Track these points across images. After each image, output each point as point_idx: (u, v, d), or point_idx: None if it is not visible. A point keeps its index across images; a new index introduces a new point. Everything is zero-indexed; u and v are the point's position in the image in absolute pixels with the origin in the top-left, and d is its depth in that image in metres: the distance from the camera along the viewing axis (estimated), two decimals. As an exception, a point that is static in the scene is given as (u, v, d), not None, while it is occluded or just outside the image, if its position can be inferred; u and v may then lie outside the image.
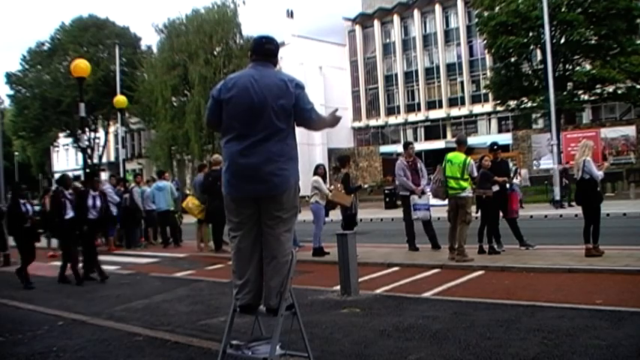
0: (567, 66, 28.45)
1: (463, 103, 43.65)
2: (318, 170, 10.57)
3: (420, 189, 9.79)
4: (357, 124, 49.31)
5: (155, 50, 41.55)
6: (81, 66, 10.58)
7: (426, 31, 45.78)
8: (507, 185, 9.34)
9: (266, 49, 3.51)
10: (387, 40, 47.92)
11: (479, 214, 9.24)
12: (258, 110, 3.33)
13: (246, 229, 3.46)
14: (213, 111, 3.51)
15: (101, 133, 46.36)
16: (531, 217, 15.98)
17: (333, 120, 3.56)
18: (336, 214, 10.81)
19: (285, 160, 3.39)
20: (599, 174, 7.92)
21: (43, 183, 54.87)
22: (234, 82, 3.42)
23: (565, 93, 27.26)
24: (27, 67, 44.75)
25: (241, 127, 3.36)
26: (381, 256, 9.45)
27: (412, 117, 46.23)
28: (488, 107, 39.86)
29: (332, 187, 9.68)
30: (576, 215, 12.50)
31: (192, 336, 4.88)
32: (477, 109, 42.84)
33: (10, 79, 44.24)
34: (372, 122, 48.50)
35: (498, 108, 33.95)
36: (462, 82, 43.80)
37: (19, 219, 8.93)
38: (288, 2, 63.44)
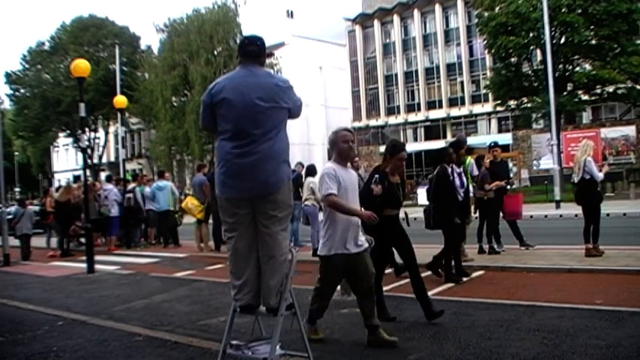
0: (567, 66, 28.44)
1: (463, 103, 43.67)
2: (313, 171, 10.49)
3: None
4: (357, 124, 49.25)
5: (155, 50, 41.56)
6: (81, 66, 10.53)
7: (426, 31, 45.79)
8: (508, 187, 9.32)
9: (249, 51, 3.52)
10: (387, 40, 47.93)
11: (477, 214, 9.24)
12: (250, 110, 3.34)
13: (242, 230, 3.46)
14: (206, 116, 3.53)
15: (101, 133, 46.27)
16: (531, 217, 15.95)
17: None
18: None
19: (279, 160, 3.42)
20: (600, 175, 7.93)
21: (43, 183, 54.88)
22: (223, 85, 3.45)
23: (565, 93, 27.24)
24: (27, 66, 44.65)
25: (234, 127, 3.37)
26: (381, 256, 9.41)
27: (412, 117, 46.25)
28: (488, 107, 39.88)
29: None
30: (576, 215, 12.48)
31: (192, 336, 4.88)
32: (477, 109, 42.86)
33: (10, 78, 44.16)
34: (372, 122, 48.49)
35: (498, 108, 33.96)
36: (462, 82, 43.83)
37: None
38: (288, 2, 63.35)
